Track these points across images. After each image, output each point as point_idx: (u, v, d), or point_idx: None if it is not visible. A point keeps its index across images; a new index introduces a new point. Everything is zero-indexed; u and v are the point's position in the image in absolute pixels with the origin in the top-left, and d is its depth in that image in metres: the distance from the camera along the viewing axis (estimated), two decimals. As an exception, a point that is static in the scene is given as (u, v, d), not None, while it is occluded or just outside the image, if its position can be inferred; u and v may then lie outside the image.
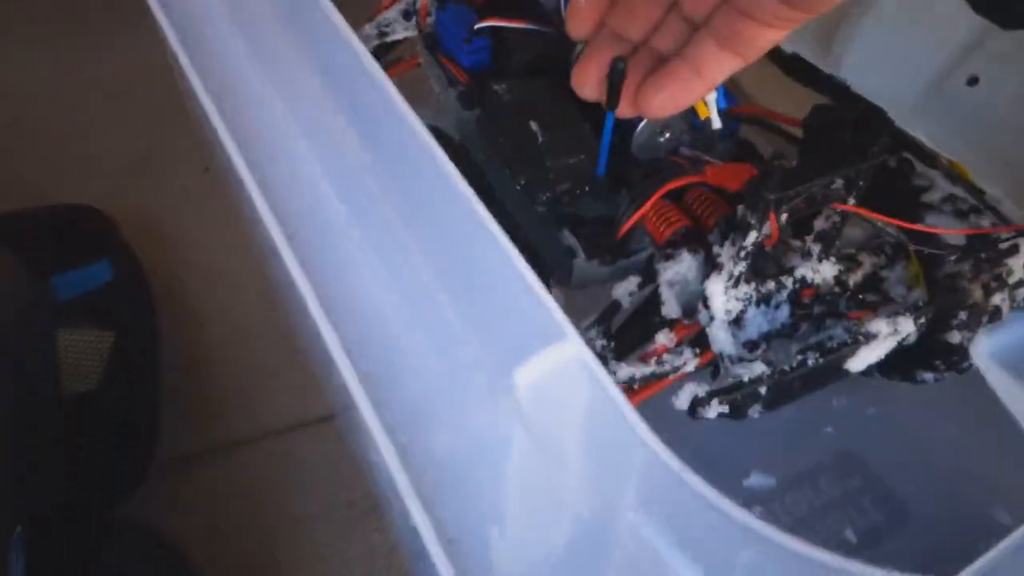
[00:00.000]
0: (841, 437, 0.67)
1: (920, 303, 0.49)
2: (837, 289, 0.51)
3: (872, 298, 0.54)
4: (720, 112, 0.54)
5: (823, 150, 0.51)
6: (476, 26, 0.59)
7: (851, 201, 0.46)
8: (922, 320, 0.48)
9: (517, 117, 0.52)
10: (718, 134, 0.55)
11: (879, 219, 0.47)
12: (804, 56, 0.58)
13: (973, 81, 0.57)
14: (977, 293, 0.50)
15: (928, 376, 0.53)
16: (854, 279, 0.52)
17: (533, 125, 0.51)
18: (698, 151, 0.56)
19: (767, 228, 0.45)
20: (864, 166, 0.44)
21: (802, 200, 0.44)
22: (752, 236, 0.44)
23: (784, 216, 0.44)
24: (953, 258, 0.52)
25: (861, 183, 0.45)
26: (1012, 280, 0.50)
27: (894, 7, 0.58)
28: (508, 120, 0.54)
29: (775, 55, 0.60)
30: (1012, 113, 0.58)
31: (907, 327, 0.48)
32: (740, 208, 0.44)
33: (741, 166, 0.51)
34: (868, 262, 0.53)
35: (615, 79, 0.50)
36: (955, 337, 0.50)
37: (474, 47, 0.59)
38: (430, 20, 0.63)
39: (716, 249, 0.50)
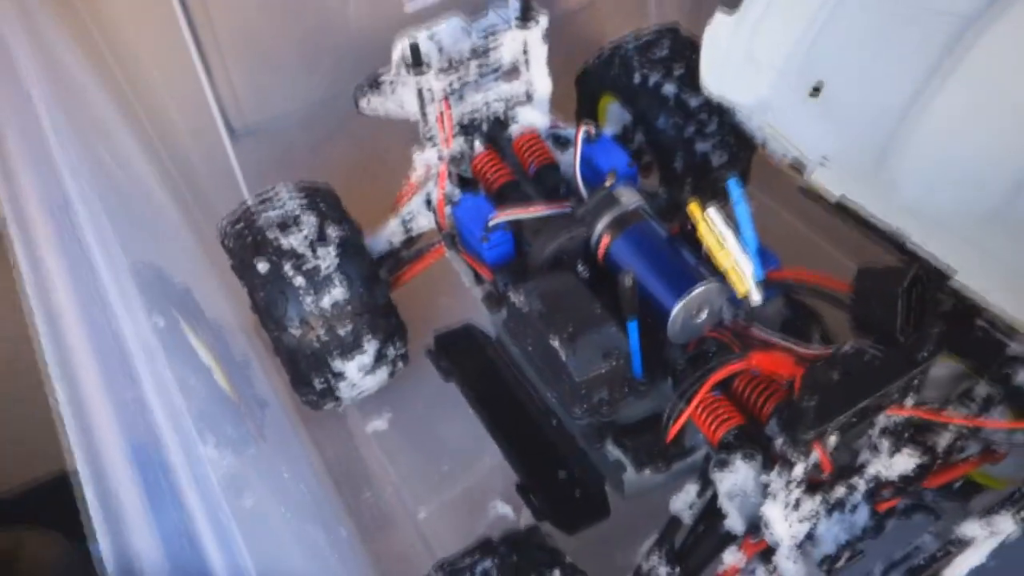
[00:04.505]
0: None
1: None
2: (917, 472, 0.45)
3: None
4: (758, 283, 0.49)
5: (876, 319, 0.46)
6: (491, 222, 0.56)
7: (909, 403, 0.41)
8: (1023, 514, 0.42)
9: (538, 328, 0.49)
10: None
11: (951, 422, 0.41)
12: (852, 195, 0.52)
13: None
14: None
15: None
16: (942, 445, 0.46)
17: (554, 340, 0.48)
18: (741, 320, 0.51)
19: (815, 457, 0.40)
20: (917, 372, 0.39)
21: (850, 418, 0.39)
22: (799, 469, 0.39)
23: (833, 439, 0.39)
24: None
25: (916, 383, 0.40)
26: None
27: (947, 108, 0.51)
28: (530, 331, 0.50)
29: (819, 198, 0.54)
30: None
31: (1006, 525, 0.41)
32: (779, 443, 0.39)
33: (785, 355, 0.46)
34: (957, 416, 0.47)
35: (629, 292, 0.46)
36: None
37: (494, 243, 0.56)
38: (448, 216, 0.60)
39: (776, 446, 0.45)
